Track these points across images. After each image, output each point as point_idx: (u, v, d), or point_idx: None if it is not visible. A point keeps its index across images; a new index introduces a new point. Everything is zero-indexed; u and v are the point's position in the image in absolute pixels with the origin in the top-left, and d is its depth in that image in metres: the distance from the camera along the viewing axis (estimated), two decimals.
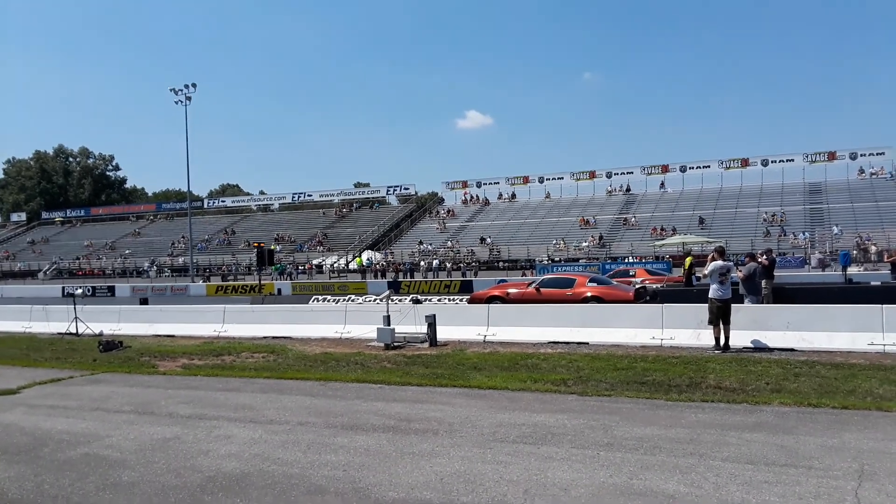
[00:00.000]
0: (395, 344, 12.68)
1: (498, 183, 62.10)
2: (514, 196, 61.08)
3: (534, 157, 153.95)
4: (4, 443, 6.60)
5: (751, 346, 10.92)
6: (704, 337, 11.21)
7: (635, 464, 5.22)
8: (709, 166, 54.95)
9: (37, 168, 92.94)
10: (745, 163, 53.76)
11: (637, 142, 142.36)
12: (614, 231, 49.89)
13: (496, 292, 18.15)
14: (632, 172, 57.64)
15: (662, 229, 46.27)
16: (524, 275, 36.07)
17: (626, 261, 40.29)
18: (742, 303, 12.46)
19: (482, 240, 50.99)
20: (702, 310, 11.17)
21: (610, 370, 9.34)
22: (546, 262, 42.39)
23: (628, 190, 57.59)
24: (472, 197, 62.46)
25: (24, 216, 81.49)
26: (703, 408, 7.14)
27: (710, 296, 10.87)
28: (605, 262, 39.43)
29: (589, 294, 16.24)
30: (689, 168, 55.45)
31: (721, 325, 10.77)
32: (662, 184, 56.60)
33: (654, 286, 19.67)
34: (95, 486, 5.22)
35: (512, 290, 17.97)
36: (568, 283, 17.28)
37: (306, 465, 5.56)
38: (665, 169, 56.36)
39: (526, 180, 60.66)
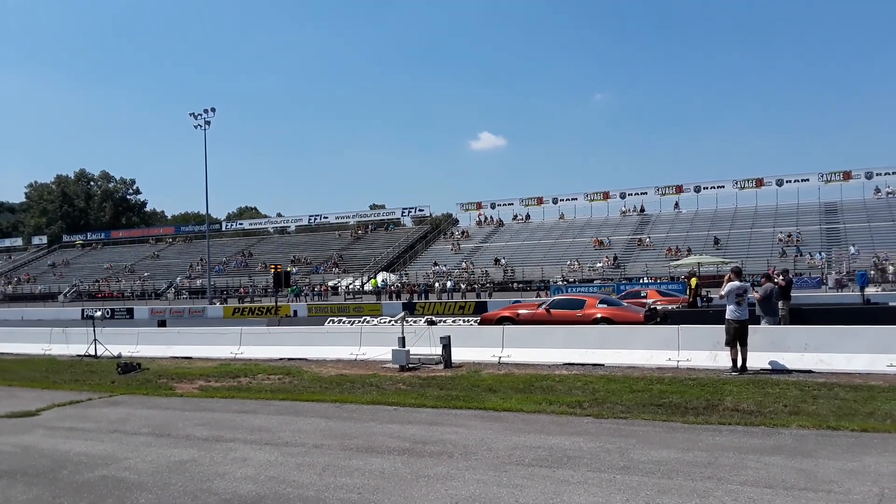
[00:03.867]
0: (410, 365, 12.68)
1: (512, 204, 62.20)
2: (528, 217, 61.12)
3: (547, 177, 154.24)
4: (23, 465, 6.66)
5: (768, 367, 10.81)
6: (721, 358, 11.11)
7: (652, 487, 5.18)
8: (723, 186, 54.72)
9: (58, 192, 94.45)
10: (759, 183, 53.49)
11: (651, 162, 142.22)
12: (629, 252, 49.69)
13: (507, 313, 18.15)
14: (646, 193, 57.53)
15: (677, 250, 46.02)
16: (538, 296, 35.96)
17: (641, 281, 40.09)
18: (759, 324, 12.36)
19: (496, 261, 50.98)
20: (718, 331, 11.10)
21: (626, 392, 9.28)
22: (560, 283, 42.27)
23: (642, 210, 57.45)
24: (486, 218, 62.58)
25: (45, 239, 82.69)
26: (720, 430, 7.08)
27: (726, 317, 10.79)
28: (620, 283, 39.24)
29: (599, 315, 16.18)
30: (704, 188, 55.25)
31: (738, 347, 10.68)
32: (677, 204, 56.40)
33: (666, 307, 19.58)
34: None
35: (522, 311, 17.99)
36: (578, 305, 17.28)
37: (321, 487, 5.57)
38: (679, 189, 56.20)
39: (540, 201, 60.71)
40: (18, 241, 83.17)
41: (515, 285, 45.13)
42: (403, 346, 12.92)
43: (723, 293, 11.15)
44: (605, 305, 16.97)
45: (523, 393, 9.68)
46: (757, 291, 12.92)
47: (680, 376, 10.49)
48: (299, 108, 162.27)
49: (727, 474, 5.46)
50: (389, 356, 13.01)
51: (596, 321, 15.90)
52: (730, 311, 10.76)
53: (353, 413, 8.80)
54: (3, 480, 6.11)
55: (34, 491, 5.77)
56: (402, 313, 15.88)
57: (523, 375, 11.22)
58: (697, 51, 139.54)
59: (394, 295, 44.38)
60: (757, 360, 10.87)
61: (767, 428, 7.11)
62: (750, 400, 8.48)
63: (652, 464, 5.85)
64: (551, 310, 17.32)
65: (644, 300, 22.73)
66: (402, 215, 67.68)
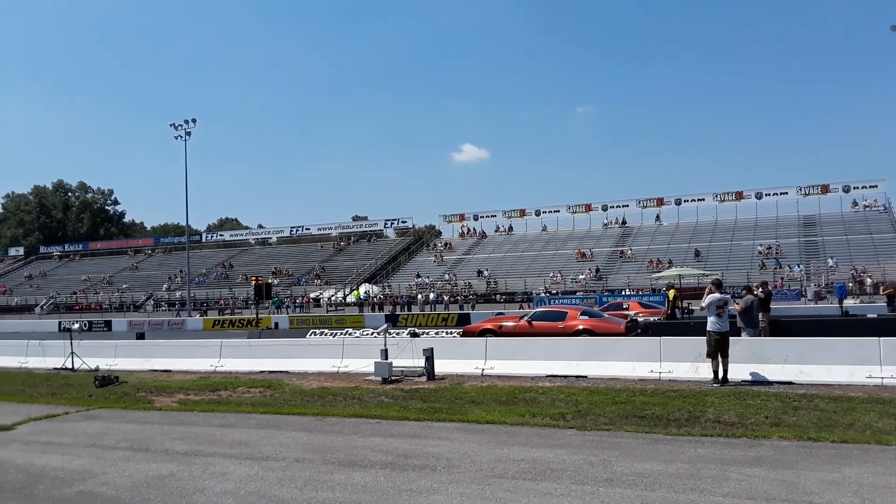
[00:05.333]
0: (393, 378, 12.61)
1: (495, 216, 62.38)
2: (511, 229, 61.30)
3: (530, 189, 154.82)
4: None
5: (749, 379, 10.89)
6: (703, 370, 11.17)
7: (635, 500, 5.18)
8: (703, 199, 55.31)
9: (35, 202, 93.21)
10: (739, 196, 54.13)
11: (632, 175, 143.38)
12: (611, 264, 49.99)
13: (489, 325, 18.23)
14: (627, 205, 58.00)
15: (659, 262, 46.38)
16: (521, 308, 36.05)
17: (623, 293, 40.33)
18: (740, 335, 12.47)
19: (479, 273, 51.02)
20: (700, 343, 11.17)
21: (609, 404, 9.29)
22: (543, 295, 42.38)
23: (624, 223, 57.87)
24: (469, 230, 62.67)
25: (21, 251, 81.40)
26: (702, 442, 7.10)
27: (707, 329, 10.87)
28: (603, 295, 39.42)
29: (581, 327, 16.25)
30: (685, 201, 55.81)
31: (719, 358, 10.75)
32: (658, 216, 56.89)
33: (647, 319, 19.75)
34: None
35: (505, 324, 18.03)
36: (560, 317, 17.39)
37: (303, 502, 5.51)
38: (660, 202, 56.73)
39: (523, 213, 60.96)
40: None
41: (498, 297, 45.14)
42: (386, 359, 12.85)
43: (704, 305, 11.23)
44: (586, 317, 17.07)
45: (506, 405, 9.66)
46: (738, 303, 13.04)
47: (662, 388, 10.54)
48: (281, 121, 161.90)
49: (709, 486, 5.47)
50: (372, 368, 12.93)
51: (577, 333, 15.95)
52: (711, 323, 10.84)
53: (335, 426, 8.72)
54: None
55: None
56: (385, 325, 15.84)
57: (506, 387, 11.21)
58: (678, 65, 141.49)
59: (376, 307, 44.20)
60: (738, 371, 10.95)
61: (749, 439, 7.15)
62: (731, 411, 8.53)
63: (635, 476, 5.85)
64: (533, 322, 17.42)
65: (626, 312, 22.80)
66: (384, 227, 67.59)
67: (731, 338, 11.03)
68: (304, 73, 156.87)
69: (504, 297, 44.79)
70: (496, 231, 61.75)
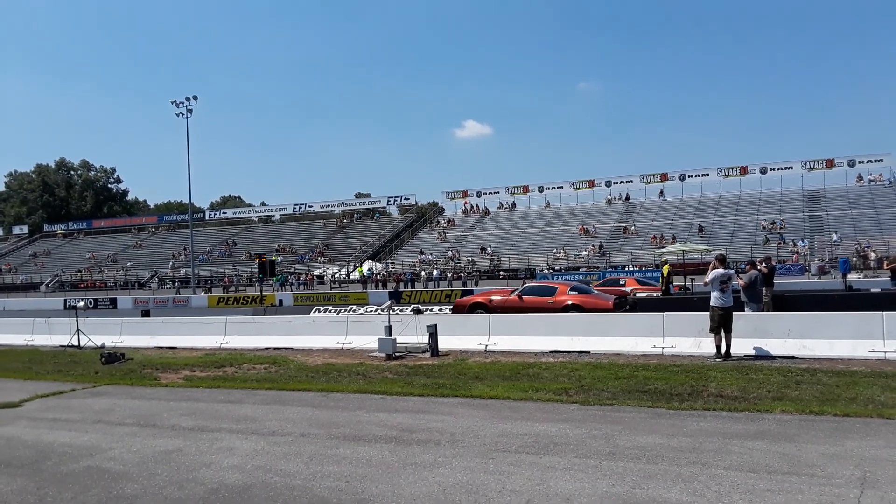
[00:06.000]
0: (397, 354, 12.69)
1: (498, 192, 62.24)
2: (514, 205, 61.20)
3: (533, 165, 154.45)
4: (7, 456, 6.60)
5: (752, 353, 10.93)
6: (706, 345, 11.21)
7: (637, 473, 5.22)
8: (707, 174, 55.09)
9: (38, 181, 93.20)
10: (743, 171, 53.89)
11: (635, 150, 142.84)
12: (614, 240, 49.95)
13: (480, 299, 18.43)
14: (631, 181, 57.80)
15: (662, 237, 46.33)
16: (524, 284, 36.07)
17: (627, 269, 40.38)
18: (743, 311, 12.48)
19: (483, 249, 51.06)
20: (703, 318, 11.19)
21: (611, 379, 9.34)
22: (546, 272, 42.43)
23: (628, 199, 57.72)
24: (472, 207, 62.58)
25: (25, 229, 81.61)
26: (704, 416, 7.14)
27: (711, 304, 10.88)
28: (606, 271, 39.47)
29: (570, 302, 16.35)
30: (689, 176, 55.59)
31: (722, 333, 10.78)
32: (662, 192, 56.73)
33: (649, 295, 20.04)
34: (98, 499, 5.22)
35: (495, 298, 18.15)
36: (550, 292, 17.54)
37: (308, 476, 5.56)
38: (664, 177, 56.50)
39: (526, 189, 60.81)
40: None
41: (501, 274, 45.24)
42: (390, 335, 12.92)
43: (707, 280, 11.23)
44: (575, 293, 17.17)
45: (510, 380, 9.72)
46: (741, 278, 13.03)
47: (665, 363, 10.58)
48: (283, 100, 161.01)
49: (711, 459, 5.51)
50: (376, 345, 13.01)
51: (567, 308, 16.10)
52: (714, 298, 10.85)
53: (340, 402, 8.79)
54: None
55: (18, 482, 5.72)
56: (389, 302, 15.89)
57: (510, 363, 11.26)
58: (682, 39, 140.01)
59: (380, 284, 44.32)
60: (741, 346, 10.98)
61: (751, 413, 7.19)
62: (734, 386, 8.57)
63: (637, 449, 5.89)
64: (523, 296, 17.58)
65: (623, 288, 23.18)
66: (387, 204, 67.54)
67: (734, 313, 11.06)
68: (307, 51, 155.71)
69: (507, 273, 44.86)
70: (499, 207, 61.66)
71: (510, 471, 5.43)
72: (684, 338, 11.64)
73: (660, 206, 54.94)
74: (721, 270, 11.08)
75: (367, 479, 5.38)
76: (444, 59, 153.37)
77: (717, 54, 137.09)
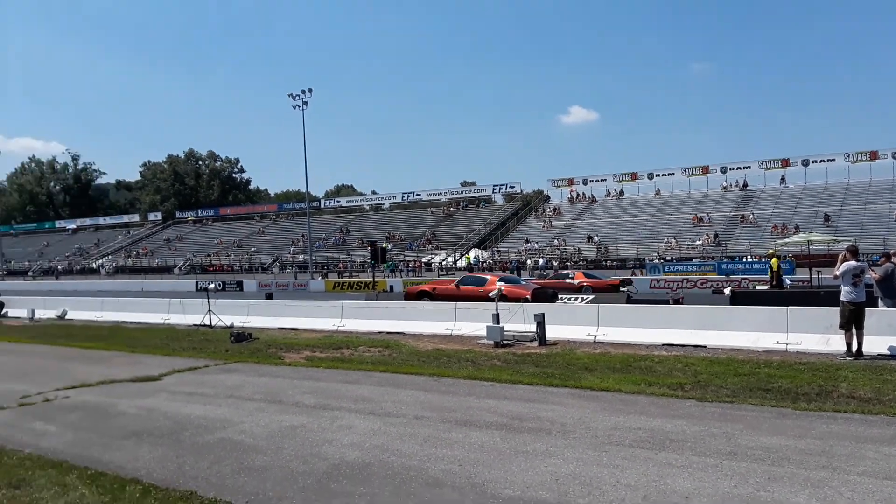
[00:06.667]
0: (505, 342, 12.77)
1: (605, 180, 60.68)
2: (622, 193, 59.49)
3: (642, 152, 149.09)
4: (149, 426, 7.21)
5: (887, 352, 10.13)
6: (834, 342, 10.51)
7: (762, 475, 5.02)
8: (834, 160, 51.08)
9: (170, 171, 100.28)
10: (874, 156, 49.48)
11: (753, 135, 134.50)
12: (730, 229, 47.49)
13: (426, 288, 21.73)
14: (749, 167, 54.59)
15: (784, 227, 43.56)
16: (633, 274, 35.26)
17: (745, 260, 38.37)
18: (876, 306, 11.57)
19: (589, 238, 50.09)
20: (831, 313, 10.50)
21: (730, 375, 8.97)
22: (657, 262, 41.03)
23: (745, 185, 54.60)
24: (578, 195, 61.43)
25: (159, 216, 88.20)
26: (835, 418, 6.73)
27: (841, 298, 10.18)
28: (722, 262, 37.68)
29: (495, 291, 17.03)
30: (813, 162, 51.79)
31: (853, 330, 10.06)
32: (783, 178, 53.21)
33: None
34: (231, 468, 5.63)
35: (438, 287, 21.50)
36: (481, 282, 20.53)
37: (424, 457, 5.76)
38: (785, 163, 52.96)
39: (634, 177, 58.91)
40: (136, 218, 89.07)
41: (609, 263, 44.19)
42: (498, 323, 13.00)
43: (838, 273, 10.50)
44: (502, 283, 18.40)
45: (621, 373, 9.56)
46: (875, 272, 12.07)
47: (789, 360, 10.02)
48: (391, 90, 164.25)
49: (843, 464, 5.21)
50: (484, 332, 13.14)
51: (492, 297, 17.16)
52: (845, 293, 10.14)
53: (451, 387, 8.98)
54: (131, 440, 6.65)
55: (159, 451, 6.24)
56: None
57: (620, 355, 11.07)
58: (804, 14, 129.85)
59: (486, 272, 44.54)
60: (874, 344, 10.21)
61: (887, 417, 6.71)
62: (867, 387, 8.00)
63: (761, 450, 5.66)
64: (460, 286, 20.55)
65: (571, 281, 27.05)
66: (493, 192, 67.51)
67: (866, 308, 10.28)
68: (414, 41, 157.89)
69: (615, 263, 43.78)
70: (606, 195, 60.15)
71: (624, 465, 5.38)
72: (810, 334, 10.96)
73: (781, 194, 51.61)
74: (853, 263, 10.33)
75: (480, 464, 5.51)
76: (549, 45, 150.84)
77: (840, 31, 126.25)
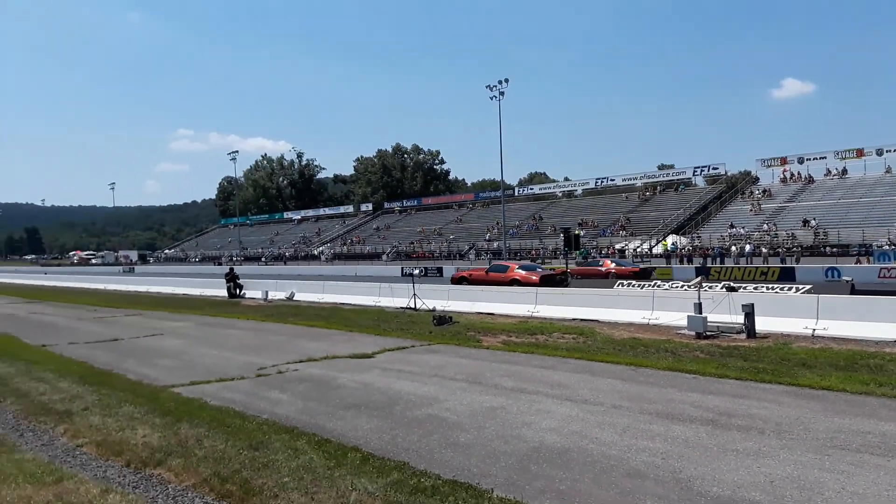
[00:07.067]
0: (708, 333, 12.16)
1: (825, 158, 54.19)
2: (844, 172, 52.78)
3: (865, 127, 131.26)
4: (365, 399, 7.90)
5: None
6: None
7: None
8: None
9: (379, 164, 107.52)
10: None
11: None
12: None
13: (465, 274, 25.79)
14: None
15: None
16: (858, 262, 31.42)
17: None
18: None
19: (805, 222, 45.25)
20: None
21: None
22: (887, 248, 36.05)
23: None
24: (792, 175, 55.67)
25: (370, 206, 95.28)
26: None
27: None
28: None
29: (513, 277, 22.40)
30: None
31: None
32: None
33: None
34: (438, 443, 6.03)
35: (474, 273, 25.32)
36: (504, 269, 24.03)
37: (623, 448, 5.73)
38: None
39: (860, 153, 51.88)
40: (350, 208, 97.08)
41: (828, 250, 39.63)
42: (700, 313, 12.41)
43: None
44: (522, 271, 23.20)
45: (845, 371, 8.69)
46: None
47: None
48: (582, 75, 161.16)
49: None
50: (684, 322, 12.64)
51: (512, 282, 21.94)
52: None
53: (650, 378, 8.78)
54: (351, 411, 7.34)
55: (375, 422, 6.84)
56: (699, 278, 15.16)
57: (844, 351, 10.04)
58: None
59: (684, 259, 42.24)
60: None
61: None
62: None
63: None
64: (489, 272, 24.25)
65: (599, 268, 31.04)
66: (693, 175, 63.42)
67: None
68: (602, 21, 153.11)
69: (835, 249, 39.17)
70: (826, 175, 53.79)
71: (851, 471, 4.94)
72: None
73: None
74: None
75: (684, 459, 5.37)
76: (756, 13, 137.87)
77: None
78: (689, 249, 45.17)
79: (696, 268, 33.60)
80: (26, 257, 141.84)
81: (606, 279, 27.08)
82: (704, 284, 17.06)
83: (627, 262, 32.58)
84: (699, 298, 12.71)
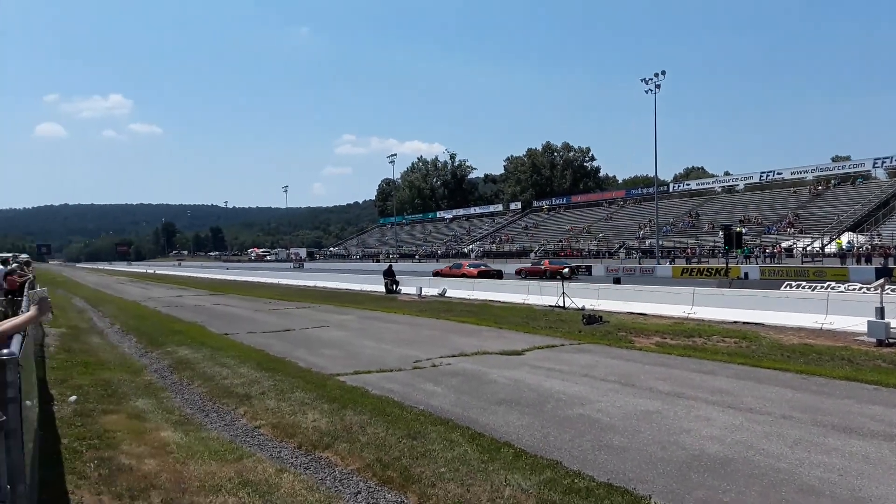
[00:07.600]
0: (890, 341, 11.05)
1: None
2: None
3: None
4: (516, 396, 7.96)
5: None
6: None
7: None
8: None
9: (528, 163, 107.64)
10: None
11: None
12: None
13: (441, 269, 36.70)
14: None
15: None
16: None
17: None
18: None
19: None
20: None
21: None
22: None
23: None
24: None
25: (519, 205, 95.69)
26: None
27: None
28: None
29: (464, 272, 32.86)
30: None
31: None
32: None
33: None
34: (591, 445, 5.95)
35: (444, 270, 36.48)
36: (459, 266, 35.49)
37: (794, 462, 5.38)
38: None
39: None
40: (499, 207, 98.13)
41: None
42: (882, 318, 11.27)
43: None
44: (471, 268, 34.96)
45: None
46: None
47: None
48: (742, 66, 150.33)
49: None
50: (863, 328, 11.62)
51: (462, 276, 30.90)
52: None
53: (824, 387, 8.14)
54: (502, 406, 7.43)
55: (526, 419, 6.87)
56: (880, 280, 13.73)
57: None
58: None
59: (862, 259, 38.19)
60: None
61: None
62: None
63: None
64: (451, 269, 35.44)
65: (539, 266, 39.28)
66: (872, 167, 57.03)
67: None
68: (763, 5, 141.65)
69: None
70: None
71: None
72: None
73: None
74: None
75: (865, 477, 4.96)
76: None
77: None
78: (867, 248, 40.81)
79: (876, 268, 30.39)
80: (211, 253, 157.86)
81: (543, 277, 33.26)
82: (888, 287, 15.43)
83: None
84: (881, 302, 11.57)
